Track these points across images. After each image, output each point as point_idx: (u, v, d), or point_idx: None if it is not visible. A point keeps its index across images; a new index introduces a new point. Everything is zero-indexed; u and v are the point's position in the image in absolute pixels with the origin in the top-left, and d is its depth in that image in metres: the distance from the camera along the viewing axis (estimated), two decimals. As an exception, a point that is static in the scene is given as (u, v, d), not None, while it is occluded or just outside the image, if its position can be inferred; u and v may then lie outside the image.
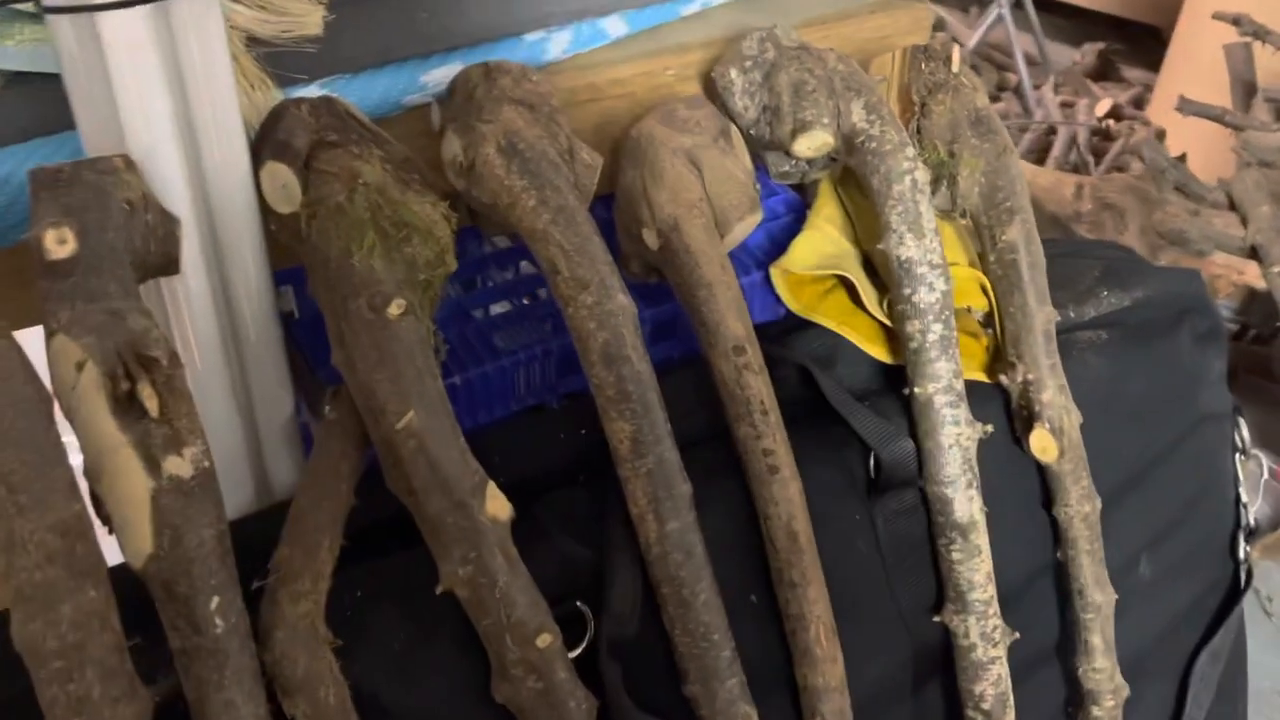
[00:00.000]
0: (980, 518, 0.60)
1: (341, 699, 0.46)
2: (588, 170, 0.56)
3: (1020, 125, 2.17)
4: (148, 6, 0.43)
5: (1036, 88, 2.45)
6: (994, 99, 2.45)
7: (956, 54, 0.64)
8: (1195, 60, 2.02)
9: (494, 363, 0.60)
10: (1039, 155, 2.16)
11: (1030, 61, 2.56)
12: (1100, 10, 2.86)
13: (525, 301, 0.66)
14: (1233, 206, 1.17)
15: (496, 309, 0.66)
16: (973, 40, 2.52)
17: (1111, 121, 2.23)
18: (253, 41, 0.55)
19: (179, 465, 0.41)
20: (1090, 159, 2.08)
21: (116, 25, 0.44)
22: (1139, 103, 2.41)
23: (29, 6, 0.52)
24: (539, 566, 0.51)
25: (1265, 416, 1.65)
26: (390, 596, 0.51)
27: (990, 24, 2.53)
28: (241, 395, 0.54)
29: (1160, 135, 1.57)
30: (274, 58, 0.55)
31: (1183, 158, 1.55)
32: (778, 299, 0.66)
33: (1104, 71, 2.66)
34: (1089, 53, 2.67)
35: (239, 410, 0.54)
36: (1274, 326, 1.61)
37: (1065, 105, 2.35)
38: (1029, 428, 0.63)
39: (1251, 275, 1.44)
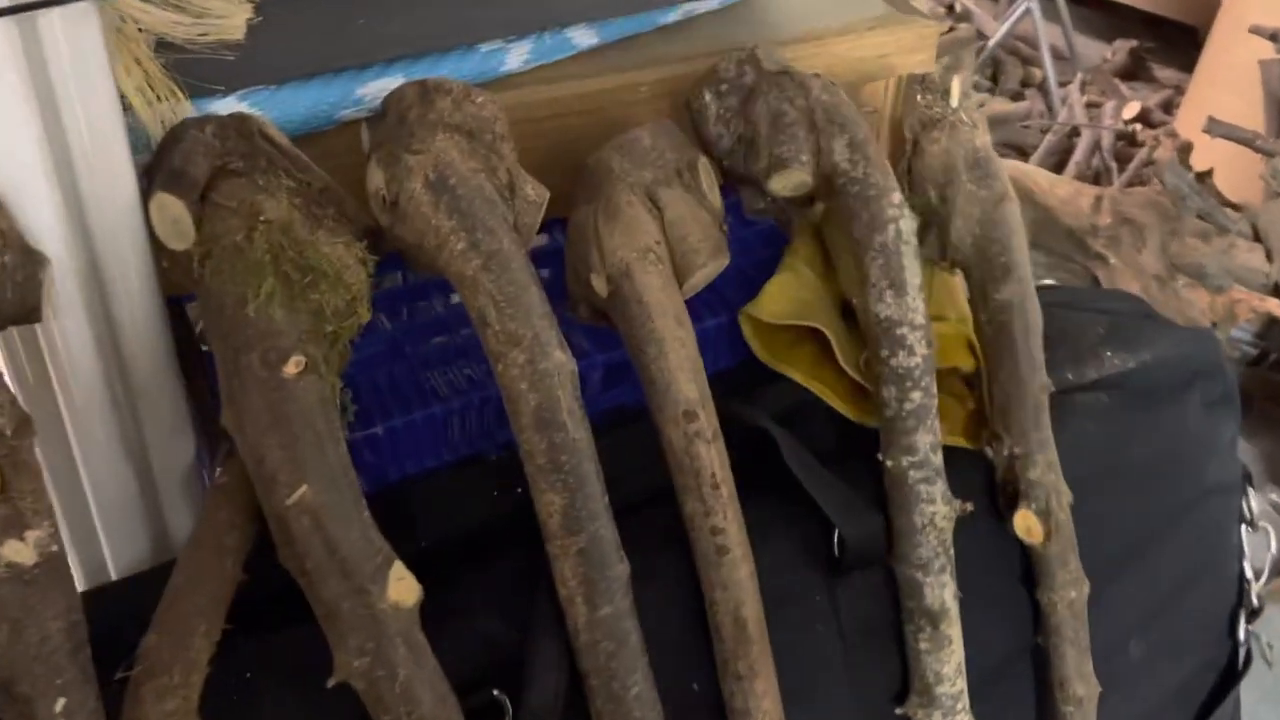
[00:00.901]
0: (953, 605, 0.55)
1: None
2: (531, 207, 0.50)
3: (1043, 126, 2.09)
4: (9, 18, 0.38)
5: (1063, 85, 2.36)
6: (1018, 96, 2.36)
7: (957, 86, 0.58)
8: (1229, 68, 1.94)
9: (423, 410, 0.54)
10: (1060, 158, 2.08)
11: (1058, 56, 2.47)
12: (1134, 5, 2.75)
13: (465, 333, 0.60)
14: (1258, 237, 1.10)
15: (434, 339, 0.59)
16: (999, 32, 2.43)
17: (1139, 126, 2.14)
18: (164, 46, 0.49)
19: (19, 551, 0.36)
20: (1114, 165, 2.00)
21: (-27, 39, 0.38)
22: (1169, 106, 2.32)
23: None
24: (455, 647, 0.47)
25: (1278, 447, 1.58)
26: (284, 679, 0.46)
27: (1018, 16, 2.43)
28: (134, 442, 0.48)
29: (1186, 149, 1.49)
30: (187, 65, 0.50)
31: (1209, 173, 1.48)
32: (746, 344, 0.60)
33: (1135, 70, 2.57)
34: (1120, 50, 2.57)
35: (130, 458, 0.49)
36: (1293, 355, 1.54)
37: (1091, 105, 2.26)
38: (1013, 505, 0.57)
39: (1273, 304, 1.37)
